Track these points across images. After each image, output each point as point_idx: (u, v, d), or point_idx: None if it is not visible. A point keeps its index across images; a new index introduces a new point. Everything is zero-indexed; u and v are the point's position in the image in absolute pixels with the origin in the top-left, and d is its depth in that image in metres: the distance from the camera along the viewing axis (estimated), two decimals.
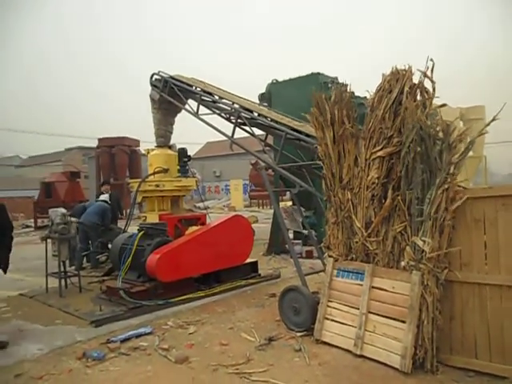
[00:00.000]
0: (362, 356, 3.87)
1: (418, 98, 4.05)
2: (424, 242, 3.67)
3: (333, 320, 4.26)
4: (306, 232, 9.10)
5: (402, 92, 4.02)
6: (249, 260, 7.14)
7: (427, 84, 4.01)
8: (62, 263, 6.52)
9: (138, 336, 4.61)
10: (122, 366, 3.94)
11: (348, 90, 4.52)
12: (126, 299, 5.65)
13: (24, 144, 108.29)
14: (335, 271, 4.41)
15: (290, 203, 11.60)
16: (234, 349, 4.23)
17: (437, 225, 3.67)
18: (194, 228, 6.98)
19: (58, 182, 18.12)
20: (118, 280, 6.02)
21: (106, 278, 7.25)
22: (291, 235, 9.71)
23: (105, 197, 9.41)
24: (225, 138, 7.24)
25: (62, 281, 6.52)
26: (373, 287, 4.02)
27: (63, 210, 6.76)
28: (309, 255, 8.92)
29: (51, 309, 5.84)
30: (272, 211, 13.55)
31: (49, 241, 6.74)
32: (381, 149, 4.09)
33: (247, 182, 31.07)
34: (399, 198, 3.96)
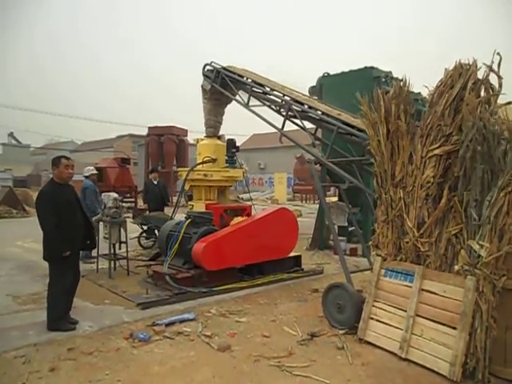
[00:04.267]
0: (406, 360, 3.76)
1: (482, 94, 3.84)
2: (481, 246, 3.49)
3: (378, 320, 4.16)
4: (351, 228, 8.93)
5: (465, 88, 3.83)
6: (292, 254, 7.12)
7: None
8: (112, 246, 6.79)
9: (182, 321, 4.72)
10: (166, 348, 4.05)
11: (407, 84, 4.35)
12: (171, 284, 5.80)
13: (79, 130, 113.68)
14: (383, 271, 4.30)
15: (334, 199, 11.42)
16: (275, 341, 4.23)
17: (496, 229, 3.48)
18: (239, 219, 7.02)
19: (109, 168, 18.78)
20: (164, 265, 6.18)
21: (152, 262, 7.46)
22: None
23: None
24: (271, 131, 7.20)
25: (112, 263, 6.80)
26: (422, 290, 3.88)
27: (115, 195, 7.01)
28: (353, 253, 8.75)
29: (101, 289, 6.11)
30: (316, 206, 13.45)
31: (100, 223, 7.03)
32: (438, 147, 3.92)
33: (291, 176, 30.91)
34: (455, 198, 3.78)
